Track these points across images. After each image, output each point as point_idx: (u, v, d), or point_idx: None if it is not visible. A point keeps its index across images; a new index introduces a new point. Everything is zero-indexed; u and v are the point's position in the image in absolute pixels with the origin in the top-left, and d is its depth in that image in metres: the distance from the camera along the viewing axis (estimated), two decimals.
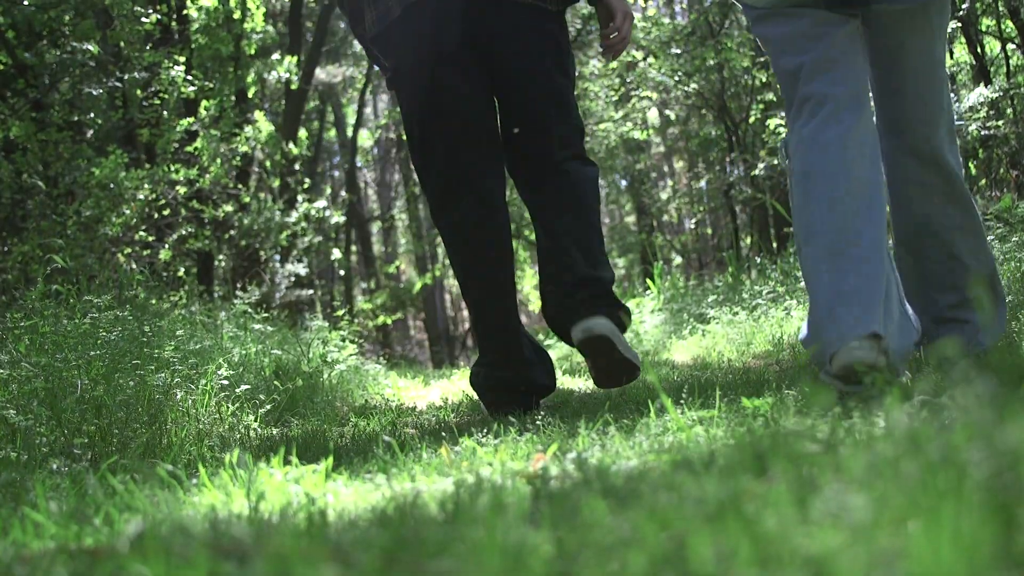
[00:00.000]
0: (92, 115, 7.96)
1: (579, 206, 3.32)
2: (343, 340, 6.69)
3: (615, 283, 3.43)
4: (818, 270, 2.56)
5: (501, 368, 3.49)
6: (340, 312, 13.36)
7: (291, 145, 12.25)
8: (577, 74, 15.63)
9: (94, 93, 7.43)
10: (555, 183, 3.34)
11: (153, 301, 5.45)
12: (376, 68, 3.67)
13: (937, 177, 2.87)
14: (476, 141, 3.33)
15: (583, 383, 4.89)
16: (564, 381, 5.10)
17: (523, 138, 3.35)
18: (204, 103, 10.46)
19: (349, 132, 24.74)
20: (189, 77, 9.18)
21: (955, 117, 7.94)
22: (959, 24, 8.55)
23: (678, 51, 13.14)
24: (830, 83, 2.57)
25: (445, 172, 3.32)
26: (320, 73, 19.89)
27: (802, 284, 6.01)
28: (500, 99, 3.39)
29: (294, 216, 11.73)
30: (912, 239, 2.98)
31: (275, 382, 4.39)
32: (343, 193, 22.63)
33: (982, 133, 8.04)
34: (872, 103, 2.80)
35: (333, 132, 27.99)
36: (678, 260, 20.46)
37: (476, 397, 3.79)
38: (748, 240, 13.94)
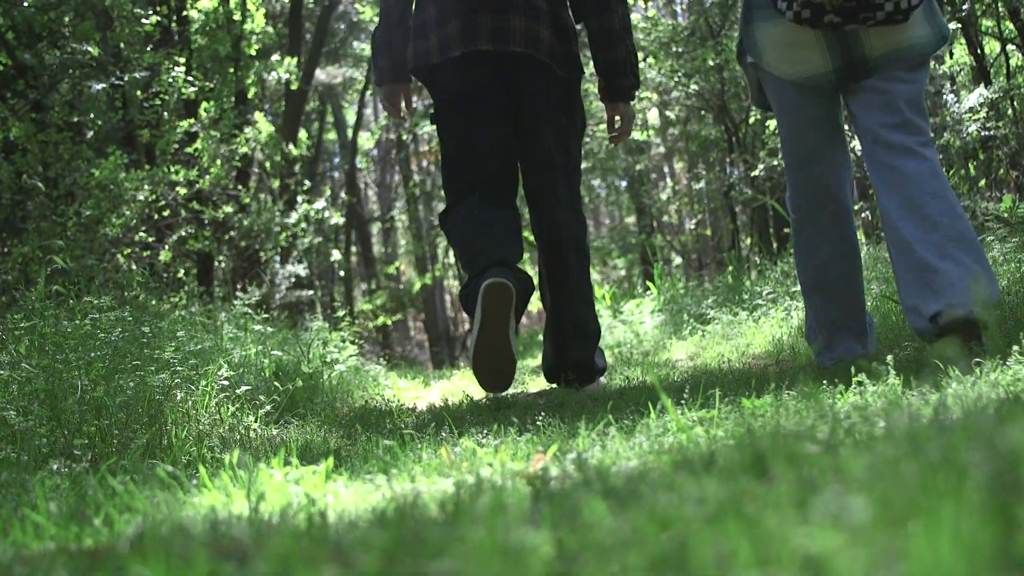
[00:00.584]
0: (92, 116, 7.96)
1: (578, 263, 4.04)
2: (343, 341, 6.69)
3: (601, 334, 4.36)
4: (812, 299, 3.58)
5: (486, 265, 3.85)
6: (340, 313, 13.35)
7: (291, 146, 12.25)
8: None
9: (95, 89, 7.43)
10: (559, 230, 4.03)
11: (153, 302, 5.45)
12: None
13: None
14: (499, 176, 4.01)
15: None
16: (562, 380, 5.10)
17: (534, 170, 4.05)
18: (204, 104, 10.45)
19: (349, 133, 24.74)
20: (189, 78, 9.18)
21: (954, 118, 7.96)
22: (959, 25, 8.55)
23: (679, 50, 13.14)
24: (825, 154, 3.45)
25: (469, 201, 3.97)
26: (320, 74, 19.89)
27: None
28: (519, 136, 4.04)
29: (294, 217, 11.73)
30: (903, 216, 3.21)
31: (275, 383, 4.39)
32: (343, 194, 22.62)
33: (982, 134, 8.04)
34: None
35: (333, 133, 27.99)
36: (678, 260, 20.46)
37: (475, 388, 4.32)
38: (748, 241, 13.95)
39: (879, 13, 3.01)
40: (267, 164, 13.12)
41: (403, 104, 4.23)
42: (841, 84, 3.30)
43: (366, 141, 26.53)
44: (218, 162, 10.06)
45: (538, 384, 5.11)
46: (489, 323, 3.68)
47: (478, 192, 3.93)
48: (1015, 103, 8.30)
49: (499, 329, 3.69)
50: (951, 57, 9.79)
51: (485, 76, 3.93)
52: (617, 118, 4.32)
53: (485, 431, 3.05)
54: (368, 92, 22.59)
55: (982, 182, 8.04)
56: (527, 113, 3.99)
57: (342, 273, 23.45)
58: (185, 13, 10.76)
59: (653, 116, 18.86)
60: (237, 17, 11.23)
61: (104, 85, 7.61)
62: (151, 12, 8.63)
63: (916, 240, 3.06)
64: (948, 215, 3.07)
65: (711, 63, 12.82)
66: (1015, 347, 2.89)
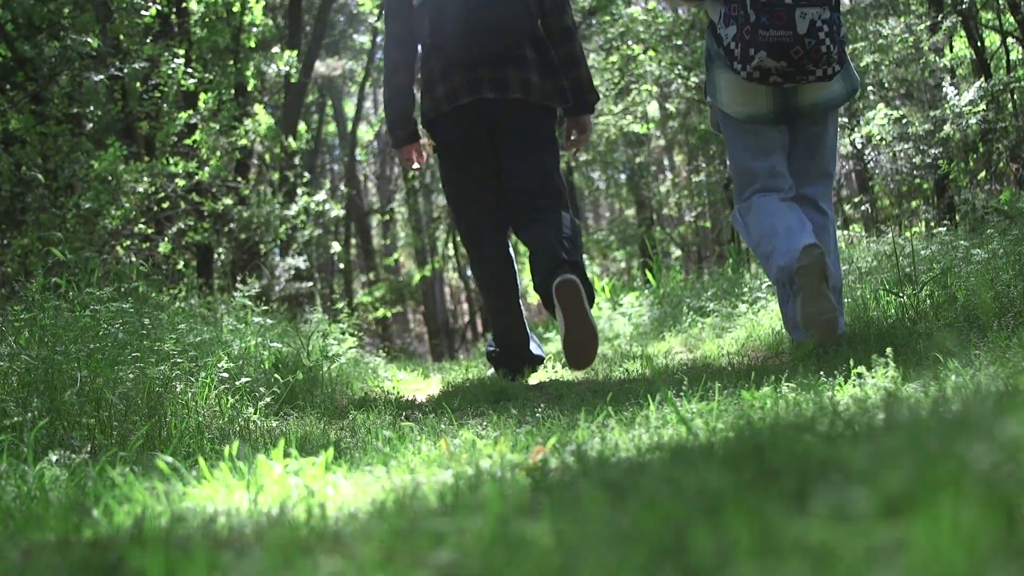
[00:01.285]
0: (91, 108, 7.95)
1: (556, 228, 4.48)
2: (343, 333, 6.69)
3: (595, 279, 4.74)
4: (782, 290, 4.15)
5: (508, 347, 4.89)
6: (340, 305, 13.34)
7: (290, 138, 12.24)
8: None
9: (94, 79, 7.42)
10: (541, 221, 4.55)
11: (153, 294, 5.45)
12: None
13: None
14: (490, 206, 4.78)
15: (582, 375, 4.90)
16: (563, 374, 5.10)
17: (516, 200, 4.67)
18: (203, 96, 10.44)
19: (349, 126, 24.72)
20: (189, 70, 9.17)
21: (955, 111, 7.95)
22: (959, 18, 8.54)
23: (679, 43, 13.13)
24: (775, 180, 4.13)
25: (474, 226, 4.83)
26: (320, 66, 19.87)
27: None
28: (503, 170, 4.69)
29: (293, 209, 11.73)
30: None
31: (275, 375, 4.39)
32: (343, 186, 22.62)
33: (982, 127, 8.04)
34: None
35: (333, 126, 27.97)
36: (677, 253, 20.44)
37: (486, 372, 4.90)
38: None
39: (811, 76, 3.89)
40: (267, 156, 13.11)
41: (421, 156, 4.93)
42: (777, 123, 4.14)
43: (365, 133, 26.53)
44: (217, 154, 10.05)
45: (537, 376, 5.12)
46: (573, 313, 4.26)
47: (490, 223, 4.82)
48: (1015, 96, 8.30)
49: (582, 317, 4.27)
50: (951, 51, 9.79)
51: (485, 121, 4.63)
52: (575, 131, 5.00)
53: (484, 423, 3.05)
54: (368, 84, 22.57)
55: (982, 174, 8.04)
56: (515, 148, 4.66)
57: (342, 265, 23.44)
58: (185, 5, 10.74)
59: (653, 109, 18.84)
60: (236, 9, 11.21)
61: (103, 77, 7.60)
62: (150, 3, 8.60)
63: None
64: (834, 266, 4.12)
65: None
66: (1014, 339, 2.90)
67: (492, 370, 5.04)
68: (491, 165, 4.72)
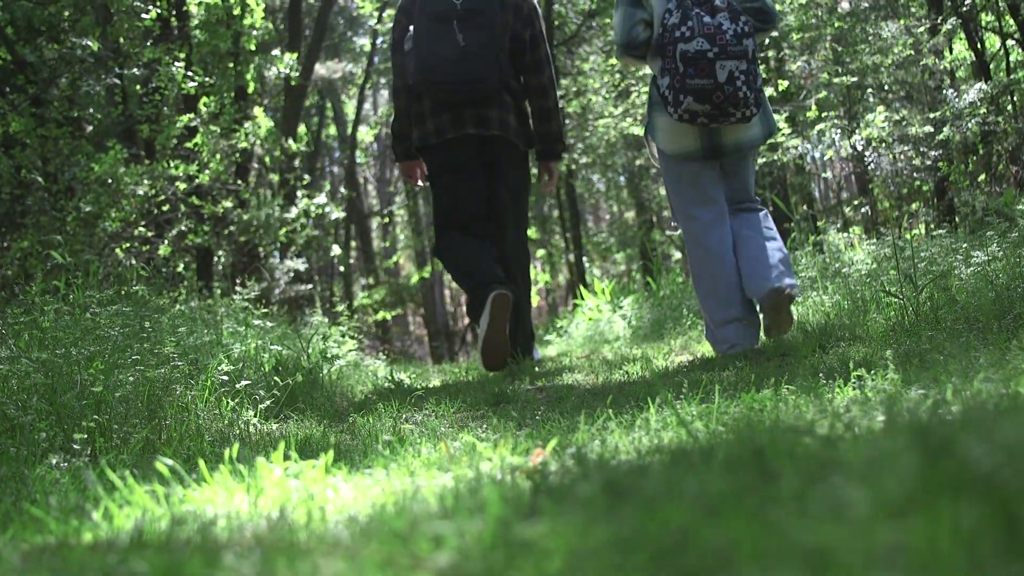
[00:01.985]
0: (91, 111, 7.96)
1: (520, 281, 5.44)
2: (343, 336, 6.69)
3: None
4: (707, 302, 4.88)
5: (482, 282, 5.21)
6: (340, 308, 13.33)
7: (290, 141, 12.24)
8: (576, 70, 15.60)
9: (91, 93, 7.42)
10: (509, 259, 5.39)
11: (153, 297, 5.45)
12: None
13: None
14: (475, 220, 5.35)
15: (582, 378, 4.90)
16: (564, 377, 5.10)
17: (495, 218, 5.40)
18: (204, 99, 10.44)
19: (349, 128, 24.72)
20: (190, 73, 9.17)
21: (954, 113, 7.95)
22: (959, 20, 8.54)
23: None
24: (707, 209, 4.86)
25: (455, 232, 5.34)
26: (320, 69, 19.86)
27: (801, 278, 6.05)
28: (488, 194, 5.36)
29: (294, 212, 11.73)
30: (741, 245, 4.87)
31: (275, 378, 4.39)
32: (343, 189, 22.62)
33: (982, 129, 8.04)
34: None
35: (333, 128, 27.98)
36: (677, 256, 20.44)
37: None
38: None
39: (731, 118, 4.57)
40: (267, 159, 13.11)
41: (418, 173, 5.63)
42: (705, 159, 4.83)
43: (366, 135, 26.52)
44: (217, 157, 10.05)
45: (538, 377, 5.12)
46: (495, 322, 4.91)
47: (462, 228, 5.32)
48: (1015, 98, 8.30)
49: (500, 327, 4.94)
50: (951, 52, 9.79)
51: (470, 150, 5.28)
52: (546, 175, 5.74)
53: (485, 425, 3.05)
54: (368, 87, 22.57)
55: (982, 177, 8.04)
56: (495, 178, 5.36)
57: (342, 268, 23.44)
58: (185, 8, 10.74)
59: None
60: (237, 12, 11.22)
61: (100, 88, 7.60)
62: (151, 7, 8.61)
63: (754, 258, 4.77)
64: (776, 248, 4.84)
65: None
66: (1014, 341, 2.90)
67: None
68: (482, 184, 5.37)
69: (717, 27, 4.49)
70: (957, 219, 7.94)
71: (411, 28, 5.24)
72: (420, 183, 5.65)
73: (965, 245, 5.35)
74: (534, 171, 7.03)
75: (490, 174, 5.35)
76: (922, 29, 9.33)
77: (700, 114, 4.52)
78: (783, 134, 10.66)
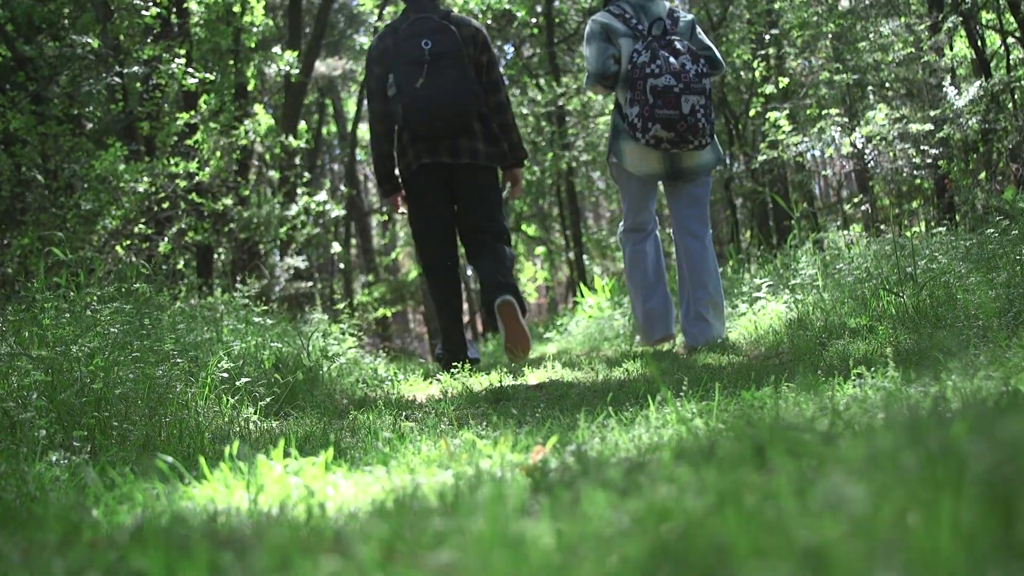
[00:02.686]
0: (91, 108, 7.95)
1: (499, 260, 5.83)
2: (343, 333, 6.69)
3: (521, 293, 5.85)
4: (635, 300, 5.76)
5: (450, 350, 6.04)
6: (341, 305, 13.32)
7: (291, 138, 12.23)
8: (577, 68, 15.57)
9: (92, 90, 7.42)
10: (487, 254, 5.86)
11: (153, 294, 5.45)
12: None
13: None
14: (450, 241, 6.03)
15: (582, 375, 4.90)
16: (563, 374, 5.10)
17: (468, 237, 6.00)
18: (204, 97, 10.44)
19: (349, 126, 24.71)
20: (190, 70, 9.16)
21: (955, 111, 7.95)
22: (959, 18, 8.54)
23: None
24: (646, 221, 5.82)
25: (431, 254, 6.02)
26: (320, 66, 19.86)
27: (802, 276, 6.07)
28: (457, 212, 6.00)
29: (294, 209, 11.72)
30: (686, 277, 5.67)
31: (275, 375, 4.39)
32: (343, 186, 22.62)
33: (982, 127, 8.03)
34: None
35: (333, 126, 27.97)
36: None
37: (455, 379, 5.19)
38: (748, 234, 13.94)
39: (690, 145, 5.34)
40: (267, 156, 13.10)
41: (399, 202, 6.16)
42: (666, 181, 5.65)
43: (366, 133, 26.52)
44: (218, 154, 10.05)
45: (537, 376, 5.12)
46: (511, 323, 5.68)
47: (442, 249, 6.00)
48: (1015, 96, 8.30)
49: (518, 328, 5.68)
50: (951, 50, 9.79)
51: (442, 176, 5.88)
52: (509, 183, 6.27)
53: (485, 423, 3.05)
54: None
55: (982, 175, 8.03)
56: (467, 198, 5.94)
57: (342, 265, 23.44)
58: (185, 5, 10.73)
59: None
60: (237, 9, 11.21)
61: (101, 87, 7.59)
62: (151, 4, 8.60)
63: (697, 290, 5.56)
64: (715, 286, 5.60)
65: None
66: (1014, 339, 2.90)
67: (438, 362, 6.24)
68: (447, 209, 5.99)
69: (681, 67, 5.27)
70: (957, 217, 7.94)
71: (390, 76, 5.89)
72: (403, 210, 6.22)
73: (965, 243, 5.35)
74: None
75: (464, 197, 5.97)
76: (922, 27, 9.33)
77: (664, 140, 5.28)
78: (783, 131, 10.65)
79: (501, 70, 6.23)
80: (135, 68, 8.22)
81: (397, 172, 6.03)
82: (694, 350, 5.37)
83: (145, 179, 7.91)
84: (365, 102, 25.63)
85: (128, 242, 8.06)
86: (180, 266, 9.49)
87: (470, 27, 6.00)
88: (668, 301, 5.79)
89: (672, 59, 5.26)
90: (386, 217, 26.66)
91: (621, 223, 6.00)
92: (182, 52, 9.44)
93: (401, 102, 5.76)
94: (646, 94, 5.24)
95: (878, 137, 9.35)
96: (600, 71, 5.49)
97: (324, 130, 25.69)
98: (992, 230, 5.33)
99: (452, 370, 5.50)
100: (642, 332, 5.83)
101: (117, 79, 7.89)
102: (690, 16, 5.63)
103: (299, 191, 12.64)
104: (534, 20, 16.62)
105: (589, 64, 5.56)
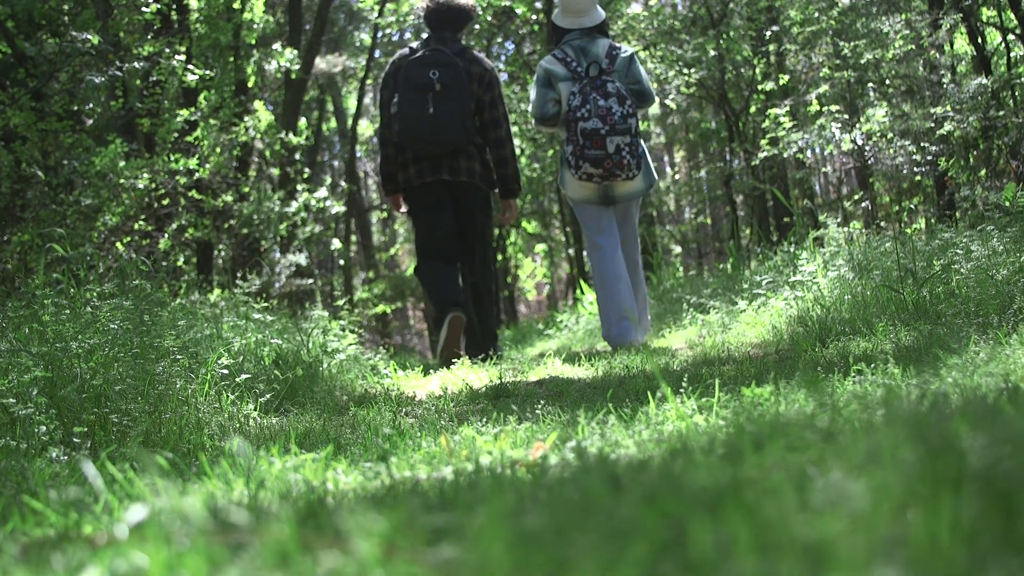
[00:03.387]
0: (91, 105, 7.94)
1: (487, 296, 6.74)
2: (343, 330, 6.69)
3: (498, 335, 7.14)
4: (605, 306, 6.17)
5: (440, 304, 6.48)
6: (341, 302, 13.30)
7: (291, 135, 12.22)
8: None
9: (96, 80, 7.41)
10: (477, 277, 6.72)
11: (152, 290, 5.44)
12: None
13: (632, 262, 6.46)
14: (448, 249, 6.58)
15: (582, 372, 4.90)
16: (563, 371, 5.10)
17: (466, 244, 6.69)
18: (204, 93, 10.43)
19: (349, 122, 24.70)
20: (191, 66, 9.15)
21: (955, 108, 7.95)
22: (960, 15, 8.53)
23: (686, 38, 13.13)
24: (605, 239, 6.23)
25: (431, 249, 6.59)
26: (320, 63, 19.84)
27: (801, 273, 6.07)
28: (458, 225, 6.61)
29: (294, 206, 11.72)
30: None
31: (275, 371, 4.39)
32: (343, 183, 22.61)
33: (982, 124, 8.03)
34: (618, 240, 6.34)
35: (334, 122, 27.97)
36: (677, 250, 20.45)
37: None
38: (747, 230, 13.95)
39: (617, 178, 6.03)
40: (267, 153, 13.09)
41: (400, 201, 6.73)
42: (601, 205, 6.23)
43: (366, 129, 26.52)
44: (217, 150, 10.04)
45: (537, 373, 5.12)
46: (450, 337, 6.26)
47: (437, 255, 6.55)
48: (1015, 93, 8.30)
49: (455, 340, 6.29)
50: (951, 47, 9.78)
51: (442, 192, 6.50)
52: (506, 210, 6.96)
53: (485, 419, 3.05)
54: (368, 81, 22.55)
55: (982, 172, 8.03)
56: (464, 214, 6.59)
57: (342, 262, 23.43)
58: (185, 1, 10.73)
59: (652, 105, 18.84)
60: (237, 6, 11.20)
61: (103, 78, 7.59)
62: (151, 0, 8.58)
63: (627, 297, 6.17)
64: (644, 297, 6.48)
65: (712, 52, 12.81)
66: (1014, 336, 2.90)
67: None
68: (449, 217, 6.55)
69: (608, 110, 5.89)
70: (957, 214, 7.94)
71: (396, 95, 6.43)
72: (403, 210, 6.76)
73: (965, 239, 5.34)
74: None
75: (460, 210, 6.59)
76: (923, 24, 9.32)
77: (594, 175, 5.98)
78: (784, 128, 10.65)
79: (505, 109, 6.74)
80: (135, 64, 8.21)
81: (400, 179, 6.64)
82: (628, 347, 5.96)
83: (145, 176, 7.90)
84: (367, 99, 25.75)
85: (128, 239, 8.05)
86: (180, 263, 9.48)
87: (479, 65, 6.56)
88: (633, 307, 6.24)
89: (601, 101, 5.91)
90: (386, 214, 26.68)
91: (585, 240, 6.70)
92: (182, 49, 9.44)
93: (400, 122, 6.35)
94: (577, 135, 5.93)
95: (878, 134, 9.35)
96: (540, 115, 6.23)
97: (324, 127, 25.67)
98: (992, 227, 5.33)
99: (447, 365, 6.01)
100: (610, 336, 6.23)
101: (118, 72, 7.88)
102: (629, 51, 6.25)
103: (299, 188, 12.63)
104: (534, 17, 16.60)
105: (531, 108, 6.30)
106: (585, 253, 6.76)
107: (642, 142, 6.09)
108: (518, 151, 16.77)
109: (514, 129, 16.16)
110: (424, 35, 7.01)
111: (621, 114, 5.90)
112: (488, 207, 6.75)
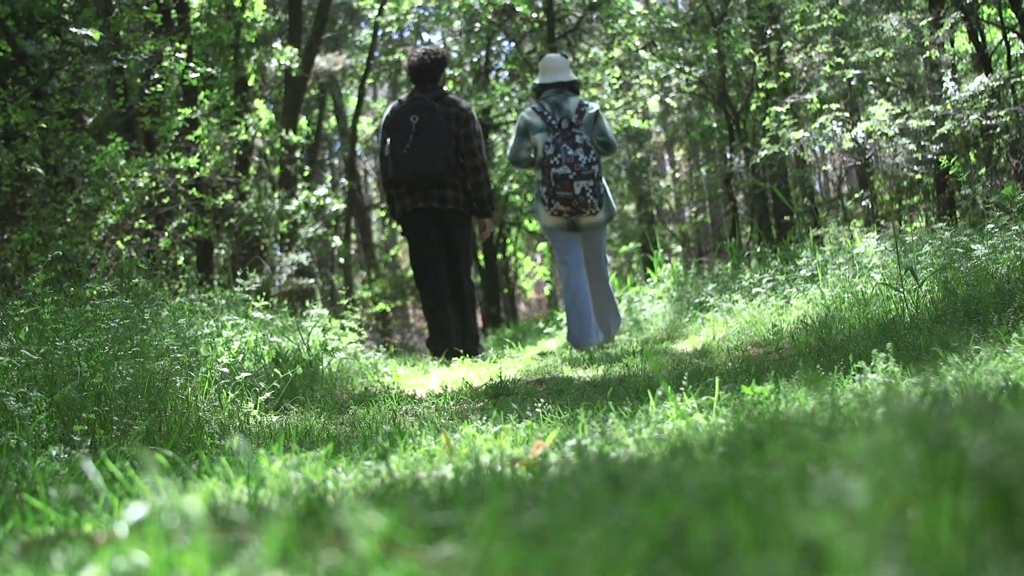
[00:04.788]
0: (91, 103, 7.93)
1: (469, 307, 7.78)
2: (343, 328, 6.69)
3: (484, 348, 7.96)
4: (570, 313, 7.16)
5: (438, 338, 7.50)
6: (343, 301, 13.28)
7: (291, 133, 12.21)
8: (578, 63, 15.61)
9: (96, 71, 7.40)
10: (461, 284, 7.75)
11: (152, 289, 5.45)
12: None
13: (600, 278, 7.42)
14: (437, 263, 7.59)
15: (582, 371, 4.90)
16: (564, 369, 5.10)
17: (452, 258, 7.66)
18: (205, 92, 10.42)
19: (349, 121, 24.69)
20: (192, 64, 9.14)
21: (955, 106, 7.94)
22: (960, 13, 8.53)
23: (687, 36, 13.11)
24: (571, 256, 7.20)
25: (423, 271, 7.64)
26: (320, 61, 19.83)
27: (802, 272, 6.06)
28: (444, 247, 7.60)
29: (294, 204, 11.71)
30: (594, 295, 7.32)
31: (275, 370, 4.39)
32: (343, 180, 22.61)
33: (982, 122, 8.03)
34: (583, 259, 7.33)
35: (334, 120, 27.95)
36: (678, 249, 20.44)
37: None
38: (748, 229, 13.94)
39: (583, 215, 7.07)
40: (267, 151, 13.08)
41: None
42: (568, 231, 7.23)
43: (366, 128, 26.51)
44: (217, 148, 10.03)
45: (537, 371, 5.12)
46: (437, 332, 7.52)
47: (426, 267, 7.58)
48: (1016, 91, 8.29)
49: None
50: (952, 45, 9.78)
51: (431, 216, 7.52)
52: (483, 227, 7.89)
53: (485, 418, 3.05)
54: (368, 79, 22.54)
55: (982, 170, 8.03)
56: (449, 234, 7.59)
57: (342, 260, 23.42)
58: (185, 0, 10.72)
59: (653, 103, 18.83)
60: (237, 4, 11.19)
61: (105, 67, 7.58)
62: None
63: (599, 307, 7.31)
64: (610, 304, 7.41)
65: (712, 51, 12.80)
66: (1015, 334, 2.90)
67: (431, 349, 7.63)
68: (438, 239, 7.57)
69: (575, 158, 6.97)
70: (957, 212, 7.94)
71: (388, 138, 7.51)
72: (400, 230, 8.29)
73: (965, 238, 5.34)
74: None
75: (445, 231, 7.62)
76: (924, 22, 9.32)
77: (563, 211, 7.06)
78: (785, 125, 10.64)
79: (480, 140, 7.77)
80: (137, 58, 8.20)
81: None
82: (596, 346, 6.88)
83: (145, 174, 7.90)
84: (367, 97, 25.78)
85: (128, 237, 8.05)
86: (180, 261, 9.48)
87: (456, 107, 7.66)
88: (591, 315, 7.18)
89: (570, 151, 6.99)
90: (385, 212, 26.67)
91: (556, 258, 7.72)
92: (183, 47, 9.43)
93: (392, 160, 7.50)
94: (550, 179, 7.00)
95: (878, 132, 9.34)
96: (514, 159, 7.37)
97: (324, 125, 25.66)
98: (992, 225, 5.33)
99: (438, 356, 7.04)
100: (572, 338, 7.13)
101: (119, 63, 7.87)
102: (595, 108, 7.27)
103: (299, 186, 12.62)
104: (535, 15, 16.60)
105: (509, 152, 7.44)
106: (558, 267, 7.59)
107: (604, 182, 7.22)
108: None
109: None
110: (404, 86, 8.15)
111: (586, 162, 6.99)
112: (469, 228, 7.85)
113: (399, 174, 7.47)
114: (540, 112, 7.29)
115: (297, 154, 13.55)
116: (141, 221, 8.32)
